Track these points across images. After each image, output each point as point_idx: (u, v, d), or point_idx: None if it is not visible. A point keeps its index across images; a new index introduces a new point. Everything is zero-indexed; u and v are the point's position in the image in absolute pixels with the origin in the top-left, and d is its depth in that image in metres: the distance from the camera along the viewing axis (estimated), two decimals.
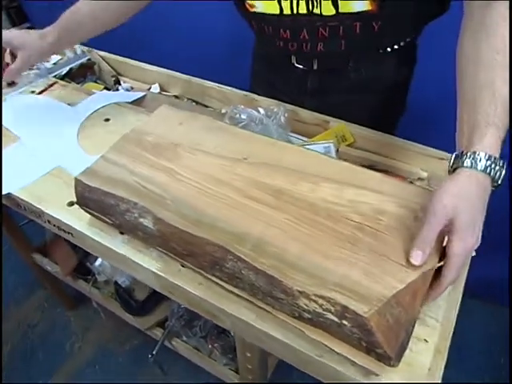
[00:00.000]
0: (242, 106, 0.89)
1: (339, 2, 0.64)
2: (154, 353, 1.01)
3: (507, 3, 0.51)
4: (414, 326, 0.47)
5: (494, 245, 1.32)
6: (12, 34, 0.73)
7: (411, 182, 0.75)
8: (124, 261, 0.63)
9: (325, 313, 0.45)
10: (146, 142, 0.65)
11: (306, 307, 0.46)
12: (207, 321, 1.03)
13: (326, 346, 0.47)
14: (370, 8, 0.64)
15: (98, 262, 1.12)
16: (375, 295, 0.44)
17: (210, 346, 1.01)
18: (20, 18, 1.82)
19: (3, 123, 0.87)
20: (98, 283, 1.17)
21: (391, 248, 0.49)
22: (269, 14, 0.71)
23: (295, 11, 0.68)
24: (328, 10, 0.66)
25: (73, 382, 1.30)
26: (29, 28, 1.29)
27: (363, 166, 0.62)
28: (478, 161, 0.46)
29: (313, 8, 0.67)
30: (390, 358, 0.43)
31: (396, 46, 0.74)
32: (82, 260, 1.16)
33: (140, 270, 0.61)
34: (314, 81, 0.84)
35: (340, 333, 0.45)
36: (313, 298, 0.45)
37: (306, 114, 0.87)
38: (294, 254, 0.49)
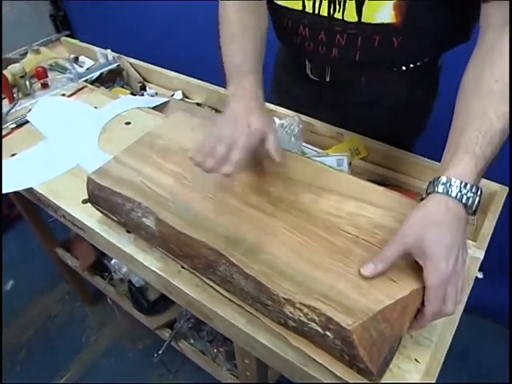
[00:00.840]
0: None
1: (363, 9, 0.64)
2: (159, 352, 1.03)
3: None
4: (399, 343, 0.47)
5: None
6: (258, 126, 0.56)
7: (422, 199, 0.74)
8: (128, 258, 0.65)
9: (309, 322, 0.45)
10: (158, 146, 0.68)
11: (291, 315, 0.46)
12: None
13: (308, 355, 0.47)
14: (393, 21, 0.63)
15: (115, 260, 1.16)
16: (361, 308, 0.44)
17: (215, 351, 1.03)
18: (64, 26, 1.93)
19: (33, 123, 0.92)
20: (113, 281, 1.21)
21: None
22: (291, 9, 0.71)
23: (316, 11, 0.68)
24: (350, 16, 0.65)
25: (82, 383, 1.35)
26: (69, 36, 1.36)
27: (375, 180, 0.62)
28: (449, 186, 0.45)
29: (334, 12, 0.67)
30: (372, 373, 0.43)
31: (412, 65, 0.73)
32: (101, 257, 1.20)
33: (142, 268, 0.64)
34: (327, 94, 0.84)
35: (323, 343, 0.45)
36: (298, 306, 0.45)
37: (320, 125, 0.88)
38: (284, 261, 0.50)
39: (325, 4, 0.66)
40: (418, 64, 0.73)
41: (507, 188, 0.72)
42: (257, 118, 0.56)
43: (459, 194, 0.45)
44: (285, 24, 0.75)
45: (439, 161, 0.77)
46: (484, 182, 0.72)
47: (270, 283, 0.47)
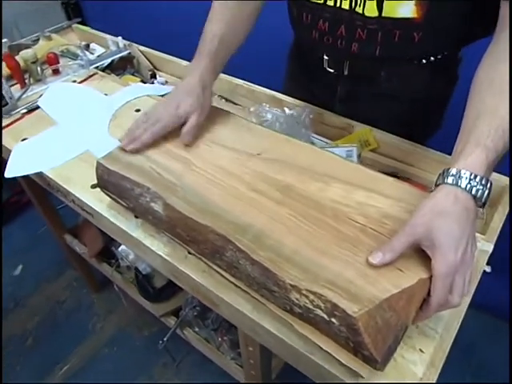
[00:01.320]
0: (268, 105, 0.91)
1: (384, 3, 0.63)
2: (164, 339, 1.04)
3: None
4: (404, 332, 0.47)
5: None
6: (187, 108, 0.65)
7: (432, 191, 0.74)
8: (136, 243, 0.66)
9: (315, 309, 0.45)
10: (167, 132, 0.68)
11: (296, 301, 0.46)
12: (219, 314, 1.04)
13: (313, 342, 0.47)
14: (415, 16, 0.63)
15: (122, 247, 1.17)
16: (367, 296, 0.44)
17: (219, 339, 1.03)
18: (75, 13, 1.93)
19: (44, 108, 0.93)
20: (120, 268, 1.22)
21: None
22: (312, 2, 0.70)
23: (338, 4, 0.68)
24: (371, 10, 0.65)
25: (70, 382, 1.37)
26: (80, 23, 1.36)
27: (385, 172, 0.61)
28: (458, 178, 0.45)
29: (355, 6, 0.66)
30: (376, 361, 0.43)
31: (432, 58, 0.72)
32: (108, 244, 1.21)
33: (149, 253, 0.64)
34: (344, 87, 0.83)
35: (329, 330, 0.45)
36: (304, 292, 0.45)
37: (331, 116, 0.87)
38: (292, 248, 0.50)
39: None
40: (439, 57, 0.72)
41: None
42: (188, 101, 0.65)
43: (469, 185, 0.45)
44: (304, 18, 0.74)
45: (450, 154, 0.77)
46: (495, 176, 0.71)
47: (277, 269, 0.47)
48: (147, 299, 1.13)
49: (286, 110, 0.89)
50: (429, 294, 0.46)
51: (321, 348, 0.47)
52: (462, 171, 0.45)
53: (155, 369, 1.36)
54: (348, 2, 0.66)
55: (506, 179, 0.71)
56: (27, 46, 1.10)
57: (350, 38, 0.71)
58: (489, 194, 0.45)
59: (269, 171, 0.60)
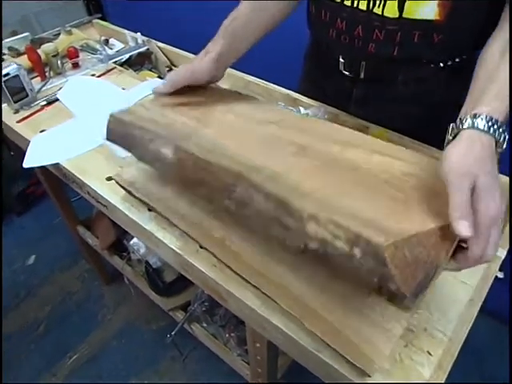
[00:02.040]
0: (283, 104, 0.91)
1: (406, 5, 0.62)
2: (172, 333, 1.05)
3: None
4: (435, 274, 0.43)
5: None
6: (203, 76, 0.68)
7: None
8: (148, 236, 0.67)
9: (334, 241, 0.40)
10: (185, 99, 0.66)
11: (313, 234, 0.42)
12: (227, 310, 1.05)
13: (321, 339, 0.47)
14: (437, 17, 0.62)
15: (134, 240, 1.18)
16: (394, 230, 0.40)
17: (227, 335, 1.04)
18: (96, 9, 1.96)
19: (63, 101, 0.95)
20: (131, 261, 1.23)
21: (416, 202, 0.45)
22: (331, 0, 0.70)
23: (355, 5, 0.67)
24: (392, 11, 0.64)
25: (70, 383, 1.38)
26: (100, 19, 1.39)
27: None
28: (480, 120, 0.45)
29: (373, 7, 0.66)
30: (404, 296, 0.39)
31: (450, 62, 0.71)
32: (120, 237, 1.23)
33: (161, 246, 0.65)
34: (360, 90, 0.82)
35: (348, 266, 0.40)
36: (323, 221, 0.41)
37: (346, 117, 0.87)
38: (311, 186, 0.46)
39: None
40: (457, 60, 0.72)
41: None
42: (207, 72, 0.67)
43: (491, 128, 0.45)
44: (322, 16, 0.74)
45: None
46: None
47: (294, 201, 0.43)
48: (157, 293, 1.14)
49: (302, 110, 0.89)
50: (461, 244, 0.44)
51: (328, 345, 0.47)
52: (482, 114, 0.45)
53: (162, 362, 1.38)
54: (366, 3, 0.66)
55: (506, 179, 0.70)
56: (49, 40, 1.12)
57: (368, 39, 0.70)
58: (508, 138, 0.46)
59: (285, 135, 0.58)
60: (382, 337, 0.48)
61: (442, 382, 0.48)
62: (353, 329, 0.48)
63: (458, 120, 0.47)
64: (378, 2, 0.65)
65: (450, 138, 0.48)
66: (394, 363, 0.50)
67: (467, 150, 0.44)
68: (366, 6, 0.66)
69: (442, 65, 0.72)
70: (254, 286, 0.54)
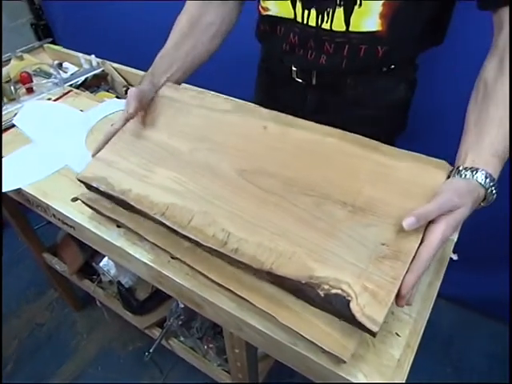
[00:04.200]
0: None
1: (352, 18, 0.67)
2: (150, 351, 1.04)
3: None
4: None
5: (496, 261, 1.33)
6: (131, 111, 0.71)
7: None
8: (119, 252, 0.67)
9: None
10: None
11: None
12: (204, 322, 1.06)
13: (295, 332, 0.49)
14: (379, 28, 0.68)
15: (104, 262, 1.17)
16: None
17: (205, 347, 1.04)
18: (45, 34, 1.93)
19: (19, 126, 0.93)
20: (102, 283, 1.21)
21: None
22: (282, 18, 0.74)
23: (305, 21, 0.72)
24: (339, 25, 0.69)
25: (75, 382, 1.34)
26: (51, 43, 1.37)
27: None
28: (485, 177, 0.51)
29: (322, 22, 0.70)
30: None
31: (393, 66, 0.77)
32: (89, 260, 1.21)
33: (133, 260, 0.66)
34: (313, 97, 0.87)
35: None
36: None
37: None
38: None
39: (313, 14, 0.70)
40: (399, 64, 0.77)
41: None
42: (133, 105, 0.70)
43: (487, 185, 0.51)
44: (278, 31, 0.78)
45: (416, 152, 0.82)
46: None
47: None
48: (131, 312, 1.13)
49: None
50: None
51: (303, 337, 0.49)
52: (484, 172, 0.51)
53: (143, 382, 1.35)
54: (314, 19, 0.71)
55: None
56: None
57: (319, 51, 0.75)
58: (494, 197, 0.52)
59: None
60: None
61: (411, 359, 0.52)
62: (325, 319, 0.51)
63: (471, 168, 0.52)
64: (326, 18, 0.69)
65: (456, 171, 0.53)
66: (366, 348, 0.53)
67: (461, 189, 0.50)
68: (314, 22, 0.71)
69: (385, 69, 0.77)
70: (228, 290, 0.56)
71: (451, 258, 0.64)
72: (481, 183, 0.50)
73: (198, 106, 0.71)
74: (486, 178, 0.50)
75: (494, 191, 0.51)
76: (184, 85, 0.82)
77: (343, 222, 0.52)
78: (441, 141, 0.97)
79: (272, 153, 0.62)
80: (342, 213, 0.53)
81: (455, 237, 0.65)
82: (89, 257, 1.20)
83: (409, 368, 0.51)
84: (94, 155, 0.69)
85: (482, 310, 1.46)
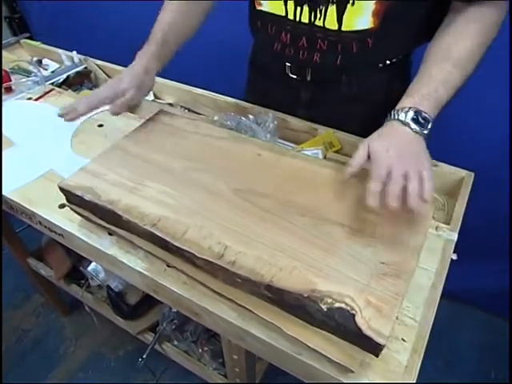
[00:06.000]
0: (232, 113, 0.91)
1: (344, 17, 0.66)
2: (143, 357, 1.01)
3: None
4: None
5: (494, 254, 1.34)
6: (125, 86, 0.71)
7: None
8: (111, 261, 0.64)
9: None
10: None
11: None
12: (198, 325, 1.03)
13: (301, 342, 0.48)
14: (372, 26, 0.67)
15: (92, 266, 1.13)
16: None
17: (200, 351, 1.02)
18: (21, 29, 1.86)
19: None
20: (91, 288, 1.18)
21: None
22: (274, 15, 0.73)
23: (298, 19, 0.70)
24: (331, 23, 0.68)
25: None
26: (28, 38, 1.31)
27: None
28: (403, 112, 0.59)
29: (315, 19, 0.69)
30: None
31: (388, 62, 0.76)
32: (76, 265, 1.17)
33: (126, 269, 0.63)
34: (306, 92, 0.85)
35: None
36: None
37: (294, 121, 0.89)
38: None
39: (306, 11, 0.69)
40: (394, 60, 0.76)
41: (473, 174, 0.76)
42: (127, 79, 0.72)
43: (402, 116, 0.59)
44: (269, 29, 0.76)
45: None
46: (452, 169, 0.76)
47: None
48: (122, 317, 1.10)
49: (250, 117, 0.90)
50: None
51: (309, 347, 0.48)
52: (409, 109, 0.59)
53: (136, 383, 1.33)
54: (307, 17, 0.69)
55: (462, 172, 0.76)
56: None
57: (312, 49, 0.74)
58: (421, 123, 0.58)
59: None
60: None
61: (419, 365, 0.51)
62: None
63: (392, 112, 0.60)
64: (319, 15, 0.68)
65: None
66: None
67: (379, 132, 0.60)
68: (307, 19, 0.69)
69: (380, 65, 0.76)
70: (229, 299, 0.54)
71: (452, 259, 0.63)
72: (395, 118, 0.59)
73: (193, 133, 0.72)
74: (398, 112, 0.59)
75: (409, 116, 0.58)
76: (176, 112, 0.80)
77: (342, 241, 0.53)
78: (436, 137, 0.97)
79: (266, 177, 0.63)
80: (340, 233, 0.54)
81: (455, 237, 0.65)
82: (76, 261, 1.16)
83: (417, 374, 0.50)
84: (64, 115, 0.71)
85: (471, 301, 1.48)
